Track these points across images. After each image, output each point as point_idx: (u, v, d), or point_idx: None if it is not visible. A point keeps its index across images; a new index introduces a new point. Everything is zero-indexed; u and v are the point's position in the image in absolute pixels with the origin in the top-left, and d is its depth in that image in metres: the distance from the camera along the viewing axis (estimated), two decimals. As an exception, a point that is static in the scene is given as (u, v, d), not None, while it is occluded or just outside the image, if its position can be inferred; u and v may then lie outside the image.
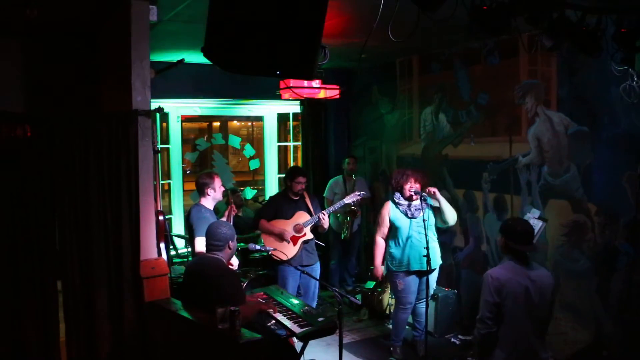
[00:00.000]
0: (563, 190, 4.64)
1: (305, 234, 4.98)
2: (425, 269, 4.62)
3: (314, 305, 5.04)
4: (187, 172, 6.65)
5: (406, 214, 4.75)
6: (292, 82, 4.96)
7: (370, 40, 3.10)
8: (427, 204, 4.68)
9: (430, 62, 6.05)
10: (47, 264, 3.52)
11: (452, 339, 5.32)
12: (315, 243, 5.13)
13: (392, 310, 5.25)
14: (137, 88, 3.70)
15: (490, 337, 3.16)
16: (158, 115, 4.41)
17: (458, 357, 4.95)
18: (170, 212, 6.61)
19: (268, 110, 7.21)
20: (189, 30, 4.44)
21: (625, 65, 3.62)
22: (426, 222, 4.52)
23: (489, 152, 5.36)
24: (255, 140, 9.22)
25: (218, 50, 2.35)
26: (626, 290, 4.15)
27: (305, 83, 5.02)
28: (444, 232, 5.89)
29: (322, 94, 5.22)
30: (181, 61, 4.39)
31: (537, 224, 4.37)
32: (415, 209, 4.74)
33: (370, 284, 6.01)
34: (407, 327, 5.17)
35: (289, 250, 4.90)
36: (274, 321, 3.57)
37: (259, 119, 7.37)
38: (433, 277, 4.86)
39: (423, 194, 4.65)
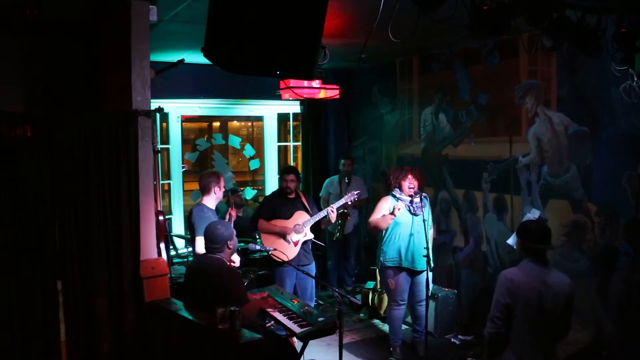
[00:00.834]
0: (563, 190, 4.64)
1: (305, 234, 4.98)
2: (421, 268, 4.62)
3: (312, 305, 5.04)
4: (183, 168, 6.61)
5: (409, 210, 4.74)
6: (292, 82, 4.96)
7: (370, 40, 3.10)
8: (427, 201, 4.68)
9: (430, 62, 6.05)
10: (47, 264, 3.52)
11: (452, 339, 5.32)
12: (313, 243, 5.13)
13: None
14: (137, 88, 3.70)
15: (499, 337, 3.11)
16: (158, 115, 4.42)
17: (458, 357, 4.94)
18: (170, 212, 6.61)
19: (268, 110, 7.21)
20: (189, 30, 4.44)
21: (625, 65, 3.62)
22: (426, 222, 4.52)
23: (489, 152, 5.36)
24: (255, 140, 9.22)
25: (218, 50, 2.36)
26: (626, 290, 4.15)
27: (305, 83, 5.02)
28: (444, 232, 5.91)
29: (322, 94, 5.22)
30: (181, 61, 4.39)
31: (537, 224, 4.37)
32: (417, 206, 4.73)
33: (370, 284, 6.01)
34: (407, 327, 5.18)
35: (289, 251, 4.90)
36: (274, 321, 3.57)
37: (259, 119, 7.37)
38: (423, 278, 4.81)
39: (424, 193, 4.65)
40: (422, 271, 4.70)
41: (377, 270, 5.06)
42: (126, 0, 3.62)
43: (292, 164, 7.69)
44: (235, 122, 9.88)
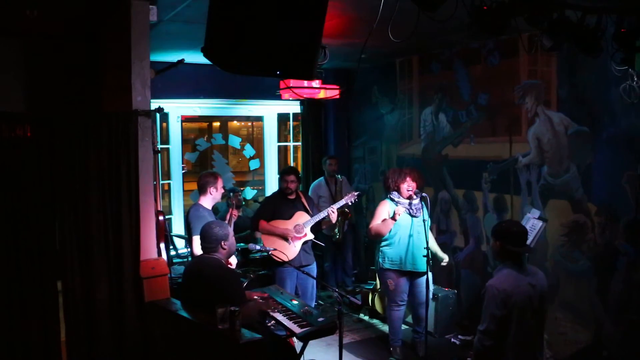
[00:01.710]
0: (563, 190, 4.64)
1: (306, 234, 4.98)
2: (422, 270, 4.62)
3: (313, 305, 5.04)
4: (184, 170, 6.62)
5: (409, 213, 4.74)
6: (292, 82, 4.96)
7: (370, 40, 3.10)
8: (425, 203, 4.68)
9: (430, 62, 6.05)
10: (47, 264, 3.52)
11: (452, 339, 5.32)
12: (313, 243, 5.13)
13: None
14: (137, 88, 3.70)
15: (495, 349, 3.06)
16: (158, 115, 4.42)
17: (458, 357, 4.94)
18: (170, 212, 6.61)
19: (268, 110, 7.20)
20: (189, 30, 4.44)
21: (625, 65, 3.61)
22: (426, 222, 4.52)
23: (489, 152, 5.36)
24: (255, 140, 9.21)
25: (218, 50, 2.36)
26: (626, 290, 4.15)
27: (305, 83, 5.01)
28: (444, 232, 5.91)
29: (322, 94, 5.22)
30: (181, 61, 4.39)
31: (537, 224, 4.37)
32: (416, 208, 4.73)
33: (370, 284, 6.01)
34: (407, 327, 5.18)
35: (289, 251, 4.90)
36: (274, 321, 3.57)
37: (259, 119, 7.37)
38: (424, 279, 4.81)
39: (423, 194, 4.65)
40: (423, 272, 4.70)
41: (376, 271, 5.06)
42: (126, 0, 3.62)
43: (292, 164, 7.69)
44: (235, 122, 9.87)
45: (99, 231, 3.62)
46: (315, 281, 5.02)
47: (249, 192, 7.20)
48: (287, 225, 4.96)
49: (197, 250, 4.25)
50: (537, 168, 4.85)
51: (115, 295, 3.66)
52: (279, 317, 3.60)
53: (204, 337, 3.21)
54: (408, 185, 4.72)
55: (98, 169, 3.59)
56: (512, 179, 5.11)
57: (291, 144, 7.76)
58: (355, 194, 5.17)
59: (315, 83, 5.07)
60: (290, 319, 3.59)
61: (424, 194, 4.66)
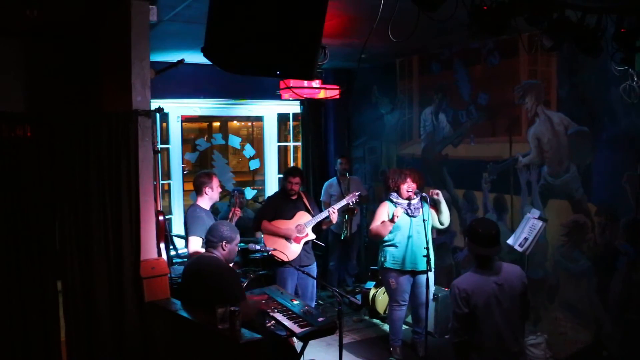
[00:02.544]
0: (563, 190, 4.64)
1: (307, 234, 4.98)
2: (423, 269, 4.62)
3: (313, 305, 5.04)
4: (185, 172, 6.64)
5: (407, 213, 4.74)
6: (292, 82, 4.96)
7: (370, 40, 3.10)
8: (425, 202, 4.68)
9: (430, 62, 6.05)
10: (47, 264, 3.52)
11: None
12: (313, 243, 5.13)
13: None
14: (137, 88, 3.70)
15: (464, 344, 3.17)
16: (158, 115, 4.41)
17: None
18: (170, 212, 6.61)
19: (268, 110, 7.20)
20: (189, 30, 4.44)
21: (625, 65, 3.62)
22: (426, 222, 4.52)
23: (489, 152, 5.36)
24: (255, 140, 9.21)
25: (218, 50, 2.36)
26: (626, 290, 4.15)
27: (305, 83, 5.01)
28: (444, 232, 5.91)
29: (322, 94, 5.22)
30: (181, 61, 4.39)
31: (537, 224, 4.37)
32: (415, 208, 4.74)
33: (370, 284, 6.01)
34: (407, 327, 5.17)
35: (291, 251, 4.90)
36: (274, 321, 3.57)
37: (259, 119, 7.36)
38: (430, 278, 4.83)
39: (423, 193, 4.65)
40: (424, 271, 4.70)
41: (378, 269, 5.06)
42: (126, 0, 3.62)
43: (292, 164, 7.69)
44: (235, 122, 9.87)
45: (99, 231, 3.62)
46: (315, 281, 5.02)
47: (249, 192, 7.20)
48: (288, 225, 4.96)
49: (193, 250, 4.25)
50: (537, 168, 4.85)
51: (115, 295, 3.66)
52: (279, 317, 3.60)
53: (204, 337, 3.21)
54: (408, 186, 4.72)
55: (98, 169, 3.59)
56: (512, 179, 5.11)
57: (291, 144, 7.75)
58: (357, 194, 5.18)
59: (315, 83, 5.07)
60: (290, 319, 3.59)
61: (423, 194, 4.65)
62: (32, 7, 3.62)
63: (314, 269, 5.10)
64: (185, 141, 6.79)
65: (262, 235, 5.08)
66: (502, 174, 5.23)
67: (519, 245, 4.42)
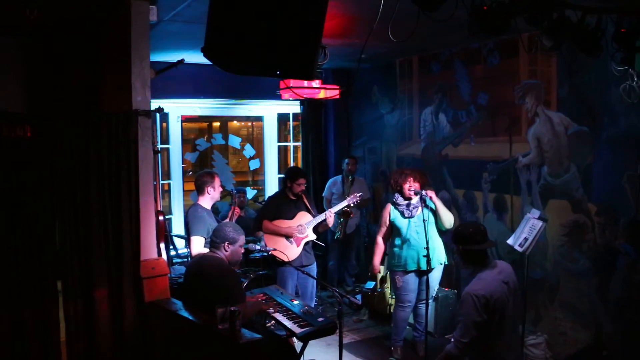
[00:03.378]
0: (563, 190, 4.64)
1: (307, 235, 4.98)
2: (425, 268, 4.62)
3: (312, 305, 5.04)
4: (189, 173, 6.64)
5: (403, 214, 4.76)
6: (292, 82, 4.96)
7: (370, 40, 3.10)
8: (425, 203, 4.68)
9: (430, 62, 6.05)
10: (47, 264, 3.52)
11: (452, 339, 5.31)
12: (313, 243, 5.13)
13: (392, 310, 5.26)
14: (137, 88, 3.70)
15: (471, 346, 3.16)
16: (158, 115, 4.42)
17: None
18: (170, 212, 6.61)
19: (268, 110, 7.20)
20: (189, 30, 4.44)
21: (625, 65, 3.61)
22: (426, 222, 4.52)
23: (489, 152, 5.36)
24: (255, 140, 9.21)
25: (218, 50, 2.36)
26: (626, 290, 4.15)
27: (305, 83, 5.02)
28: (444, 232, 5.90)
29: (322, 94, 5.22)
30: (181, 61, 4.39)
31: (537, 224, 4.37)
32: (413, 208, 4.74)
33: (370, 284, 6.00)
34: (407, 327, 5.17)
35: (291, 251, 4.90)
36: (273, 321, 3.57)
37: (259, 119, 7.36)
38: (435, 277, 4.86)
39: (423, 193, 4.65)
40: (431, 270, 4.71)
41: (387, 270, 5.10)
42: (126, 0, 3.62)
43: (292, 164, 7.69)
44: (235, 122, 9.87)
45: (99, 231, 3.62)
46: (315, 281, 5.02)
47: (249, 193, 7.20)
48: (289, 225, 4.96)
49: (196, 250, 4.25)
50: (537, 168, 4.85)
51: (115, 295, 3.66)
52: (279, 317, 3.61)
53: (204, 337, 3.21)
54: (410, 186, 4.72)
55: (98, 169, 3.59)
56: (512, 179, 5.11)
57: (291, 144, 7.75)
58: (358, 195, 5.17)
59: (315, 83, 5.07)
60: (290, 319, 3.59)
61: (423, 193, 4.64)
62: (32, 7, 3.62)
63: (314, 268, 5.10)
64: (185, 141, 6.79)
65: (263, 235, 5.08)
66: (502, 174, 5.23)
67: (519, 245, 4.41)
